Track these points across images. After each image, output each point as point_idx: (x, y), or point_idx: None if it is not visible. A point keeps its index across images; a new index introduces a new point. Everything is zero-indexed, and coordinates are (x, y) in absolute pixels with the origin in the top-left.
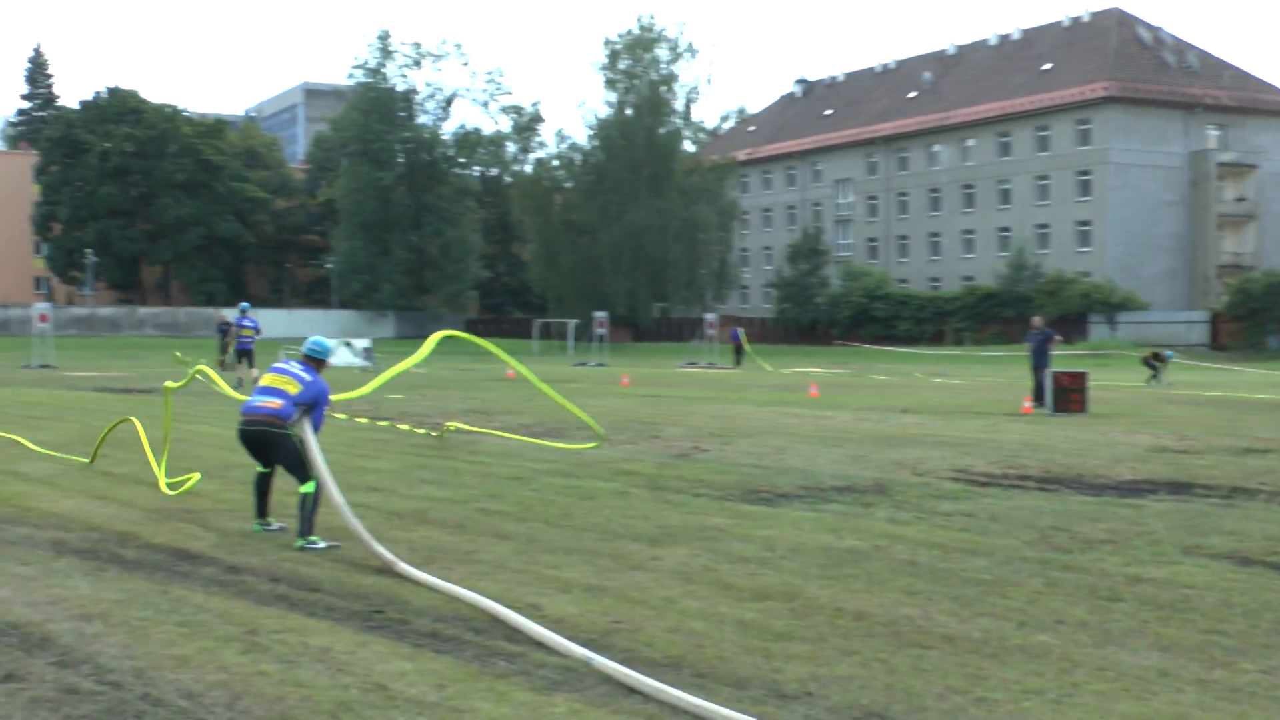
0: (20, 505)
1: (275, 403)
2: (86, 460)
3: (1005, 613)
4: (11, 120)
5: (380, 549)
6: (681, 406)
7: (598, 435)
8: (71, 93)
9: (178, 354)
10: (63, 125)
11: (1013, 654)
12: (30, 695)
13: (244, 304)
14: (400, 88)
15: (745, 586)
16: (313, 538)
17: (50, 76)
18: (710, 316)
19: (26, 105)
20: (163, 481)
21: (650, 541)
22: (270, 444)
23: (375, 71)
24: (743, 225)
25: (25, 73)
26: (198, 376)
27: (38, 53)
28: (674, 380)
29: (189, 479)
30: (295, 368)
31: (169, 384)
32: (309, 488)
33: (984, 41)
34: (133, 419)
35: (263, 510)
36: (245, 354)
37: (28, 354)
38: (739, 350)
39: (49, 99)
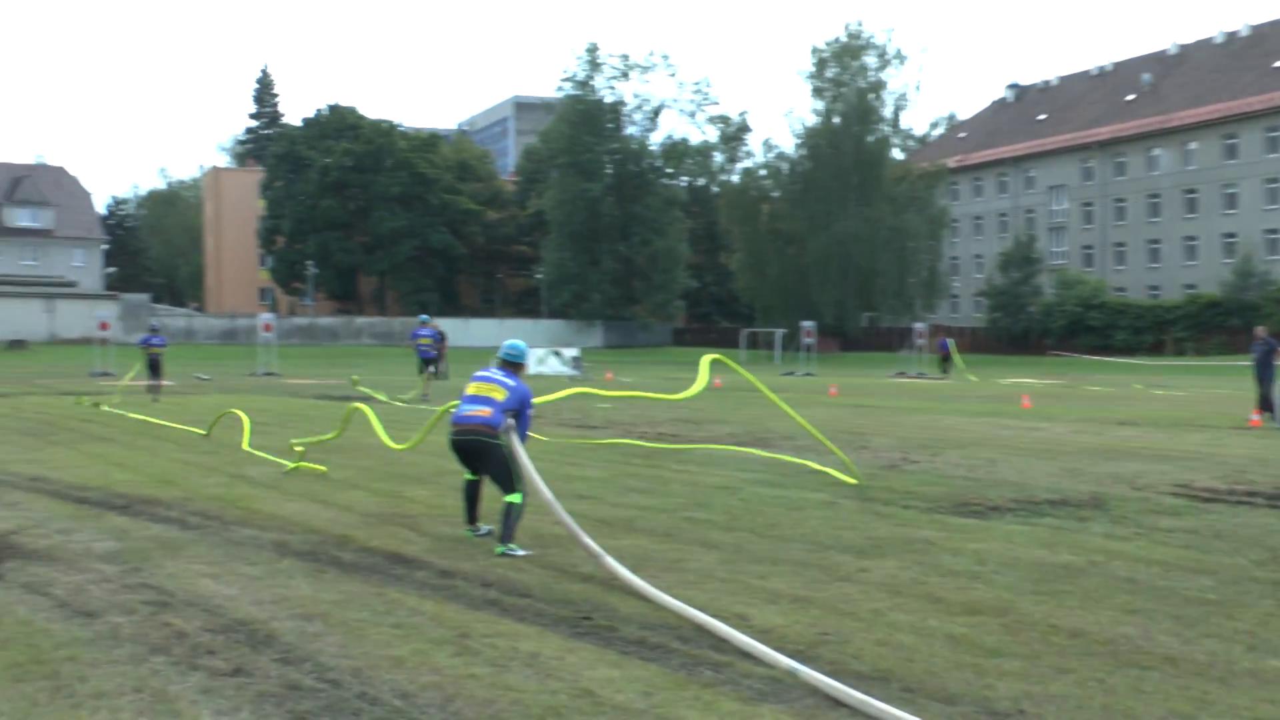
0: (247, 508)
1: (485, 411)
2: (204, 433)
3: (1233, 635)
4: (240, 138)
5: (589, 541)
6: (890, 417)
7: (853, 475)
8: (295, 111)
9: (355, 377)
10: (286, 142)
11: (1241, 679)
12: (257, 690)
13: (423, 315)
14: (608, 99)
15: (956, 600)
16: (513, 545)
17: (276, 96)
18: (919, 326)
19: (254, 124)
20: (291, 464)
21: (858, 553)
22: (481, 453)
23: (584, 84)
24: (953, 233)
25: (253, 93)
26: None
27: (265, 74)
28: (882, 390)
29: (315, 467)
30: (497, 374)
31: (360, 406)
32: (515, 498)
33: (1208, 40)
34: (238, 410)
35: (472, 516)
36: (429, 362)
37: (253, 362)
38: (947, 360)
39: (274, 117)
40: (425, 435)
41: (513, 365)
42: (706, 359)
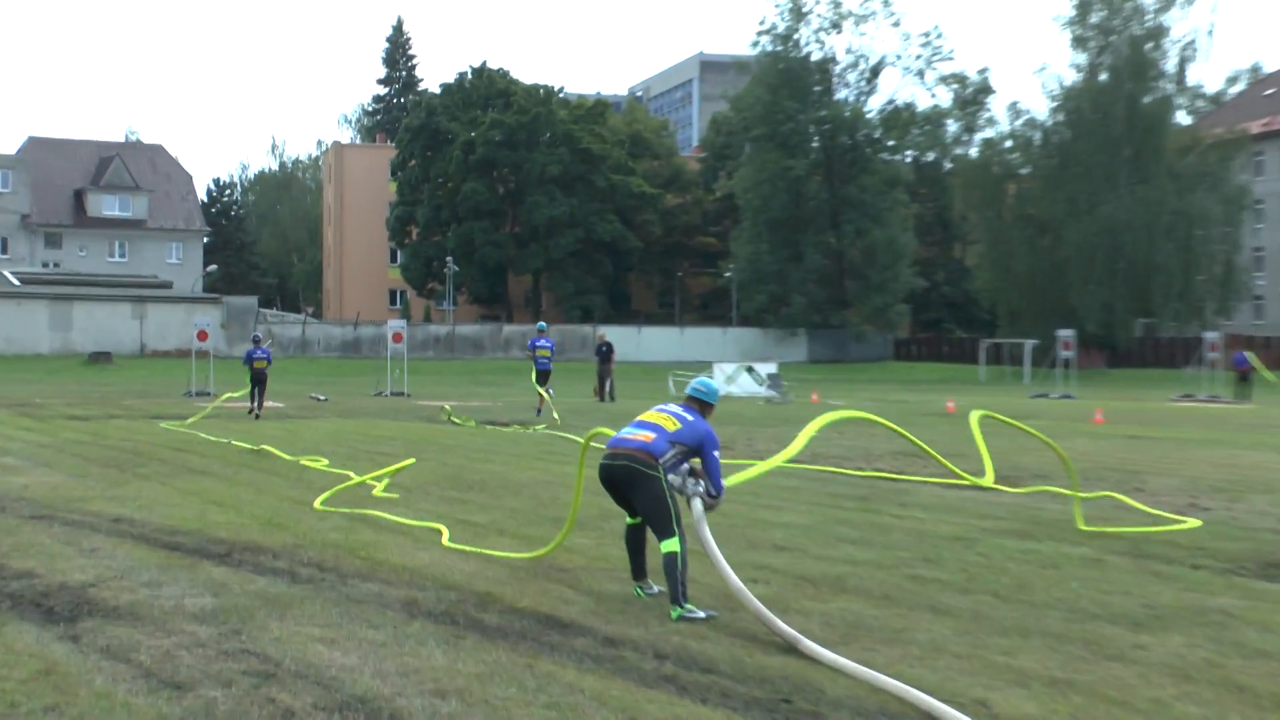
0: (370, 557)
1: (647, 436)
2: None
3: None
4: (367, 109)
5: (781, 625)
6: (1173, 451)
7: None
8: (434, 75)
9: (447, 408)
10: (423, 113)
11: None
12: None
13: (541, 323)
14: (815, 56)
15: (1265, 690)
16: (690, 605)
17: (411, 58)
18: (1211, 336)
19: (383, 91)
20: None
21: (1133, 625)
22: (633, 483)
23: (785, 38)
24: (1256, 217)
25: (383, 54)
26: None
27: (398, 30)
28: (1163, 417)
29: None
30: (675, 408)
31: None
32: (672, 545)
33: None
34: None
35: (640, 570)
36: (545, 375)
37: (380, 379)
38: (1245, 378)
39: (409, 83)
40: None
41: (700, 404)
42: (976, 420)
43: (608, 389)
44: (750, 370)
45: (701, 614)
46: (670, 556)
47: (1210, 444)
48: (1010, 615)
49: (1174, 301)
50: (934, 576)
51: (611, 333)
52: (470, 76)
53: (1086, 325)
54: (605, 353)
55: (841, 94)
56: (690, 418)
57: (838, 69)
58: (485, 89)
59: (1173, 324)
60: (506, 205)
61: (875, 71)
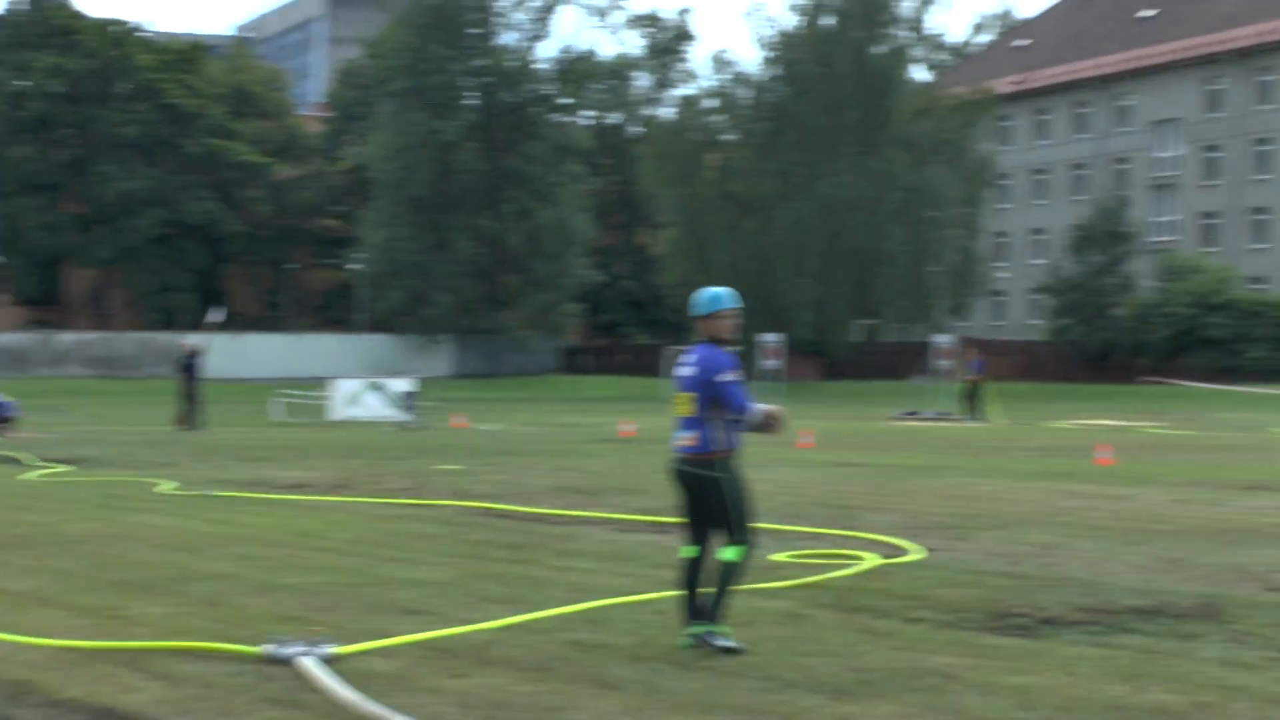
0: None
1: (689, 439)
2: None
3: None
4: None
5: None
6: (894, 480)
7: None
8: None
9: None
10: None
11: None
12: None
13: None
14: None
15: None
16: (720, 629)
17: None
18: (941, 340)
19: None
20: None
21: (837, 693)
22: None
23: None
24: (1002, 195)
25: None
26: None
27: None
28: (884, 439)
29: None
30: (687, 368)
31: None
32: (732, 555)
33: None
34: None
35: (693, 612)
36: None
37: None
38: (974, 392)
39: None
40: None
41: (697, 324)
42: None
43: (195, 412)
44: (378, 388)
45: (729, 644)
46: (728, 567)
47: (938, 471)
48: (690, 685)
49: (901, 298)
50: (599, 641)
51: (199, 340)
52: (25, 7)
53: (798, 328)
54: (192, 367)
55: (506, 38)
56: (694, 370)
57: (501, 5)
58: (41, 26)
59: (899, 326)
60: (67, 177)
61: (548, 9)
